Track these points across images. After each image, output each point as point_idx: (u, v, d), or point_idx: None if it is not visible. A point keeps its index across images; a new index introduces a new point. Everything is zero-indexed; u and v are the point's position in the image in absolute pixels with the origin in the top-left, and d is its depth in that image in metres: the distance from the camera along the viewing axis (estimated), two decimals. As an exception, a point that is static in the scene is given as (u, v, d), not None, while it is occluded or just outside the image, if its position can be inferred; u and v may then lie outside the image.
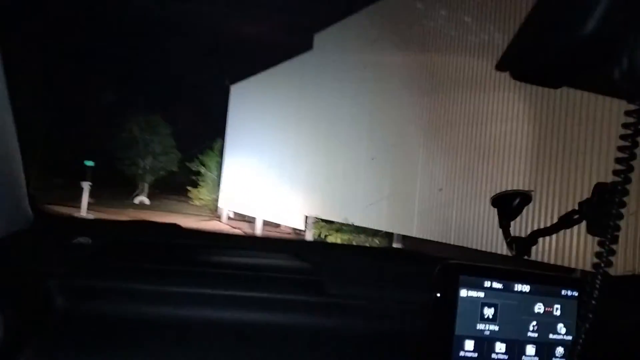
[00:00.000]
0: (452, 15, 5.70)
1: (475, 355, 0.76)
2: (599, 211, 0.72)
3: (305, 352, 0.76)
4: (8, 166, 0.64)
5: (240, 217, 13.21)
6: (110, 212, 11.60)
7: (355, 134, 7.85)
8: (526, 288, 0.79)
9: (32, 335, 0.64)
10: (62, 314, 0.67)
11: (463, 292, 0.78)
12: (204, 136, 17.05)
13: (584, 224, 0.76)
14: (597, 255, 0.47)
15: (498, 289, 0.79)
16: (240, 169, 12.87)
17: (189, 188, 16.74)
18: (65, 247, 0.74)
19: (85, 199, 11.04)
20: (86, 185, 11.17)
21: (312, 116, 9.34)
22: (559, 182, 4.07)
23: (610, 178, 0.48)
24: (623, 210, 0.47)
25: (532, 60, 0.46)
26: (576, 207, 0.79)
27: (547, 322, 0.78)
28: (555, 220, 0.84)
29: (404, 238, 6.54)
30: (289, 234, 10.51)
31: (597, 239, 0.50)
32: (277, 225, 10.98)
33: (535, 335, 0.78)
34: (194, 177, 16.53)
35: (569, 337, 0.78)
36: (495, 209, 0.92)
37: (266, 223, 11.27)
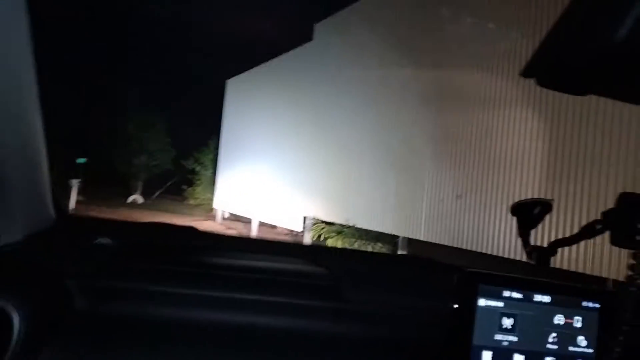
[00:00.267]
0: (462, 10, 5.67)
1: None
2: (624, 221, 0.73)
3: (320, 358, 0.77)
4: (33, 166, 0.65)
5: (235, 218, 13.17)
6: (99, 212, 11.55)
7: (358, 132, 7.62)
8: (546, 298, 0.79)
9: (51, 335, 0.65)
10: (81, 314, 0.68)
11: (482, 302, 0.79)
12: (200, 133, 17.02)
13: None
14: (630, 267, 0.48)
15: (517, 299, 0.79)
16: (236, 167, 12.71)
17: (183, 187, 16.73)
18: (86, 248, 0.76)
19: (73, 197, 11.02)
20: (75, 183, 11.16)
21: (312, 112, 9.11)
22: (572, 194, 4.07)
23: (628, 187, 0.48)
24: None
25: (561, 66, 0.46)
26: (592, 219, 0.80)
27: (567, 334, 0.78)
28: (569, 231, 0.85)
29: (410, 242, 6.43)
30: (286, 235, 10.49)
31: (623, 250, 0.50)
32: (274, 227, 10.93)
33: (555, 347, 0.78)
34: (189, 176, 16.51)
35: (590, 350, 0.79)
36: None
37: (262, 224, 11.21)
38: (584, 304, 0.79)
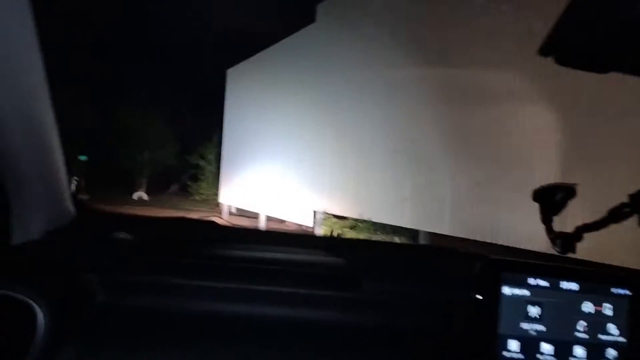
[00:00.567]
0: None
1: (521, 356, 0.77)
2: None
3: (341, 348, 0.78)
4: (49, 164, 0.67)
5: (242, 213, 13.22)
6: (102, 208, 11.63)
7: (370, 121, 7.27)
8: (574, 286, 0.79)
9: (74, 328, 0.68)
10: (103, 307, 0.71)
11: (506, 290, 0.79)
12: (204, 127, 17.04)
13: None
14: None
15: (544, 287, 0.79)
16: (240, 161, 12.63)
17: (188, 182, 16.82)
18: (106, 243, 0.78)
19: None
20: (72, 181, 11.28)
21: (319, 100, 8.74)
22: (590, 185, 4.04)
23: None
24: None
25: (579, 44, 0.46)
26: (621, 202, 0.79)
27: (597, 322, 0.78)
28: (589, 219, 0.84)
29: (433, 237, 6.08)
30: (296, 230, 10.51)
31: None
32: (282, 221, 10.94)
33: (585, 335, 0.78)
34: (193, 171, 16.59)
35: (621, 338, 0.78)
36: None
37: (270, 219, 11.23)
38: (614, 290, 0.79)
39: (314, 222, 8.70)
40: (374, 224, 7.18)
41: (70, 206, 0.76)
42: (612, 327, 0.79)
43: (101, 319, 0.70)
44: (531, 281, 0.79)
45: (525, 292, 0.79)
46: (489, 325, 0.78)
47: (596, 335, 0.78)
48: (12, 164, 0.63)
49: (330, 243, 0.97)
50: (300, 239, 0.95)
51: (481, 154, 5.37)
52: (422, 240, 6.46)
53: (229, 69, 13.97)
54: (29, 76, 0.62)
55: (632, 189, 0.78)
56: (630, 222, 0.77)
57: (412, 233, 6.70)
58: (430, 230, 6.12)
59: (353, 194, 7.61)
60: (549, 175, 4.42)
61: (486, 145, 5.32)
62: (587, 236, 0.83)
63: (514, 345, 0.77)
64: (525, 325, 0.78)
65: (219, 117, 14.44)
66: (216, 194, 14.62)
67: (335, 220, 8.17)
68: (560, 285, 0.79)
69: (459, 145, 5.67)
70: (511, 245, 4.87)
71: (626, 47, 0.44)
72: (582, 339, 0.78)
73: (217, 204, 14.41)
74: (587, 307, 0.79)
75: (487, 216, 5.22)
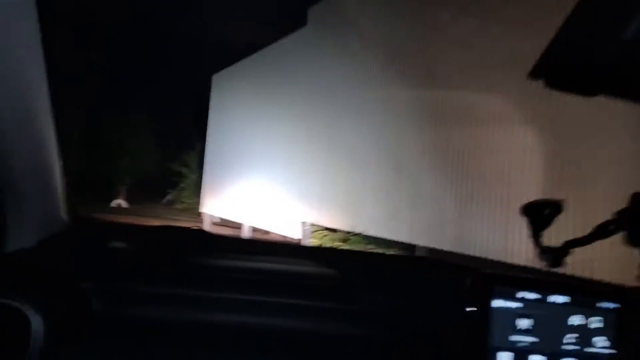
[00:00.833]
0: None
1: None
2: (638, 221, 0.77)
3: (328, 359, 0.80)
4: (45, 172, 0.68)
5: (225, 223, 13.11)
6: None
7: (363, 128, 7.16)
8: (563, 299, 0.83)
9: (69, 337, 0.69)
10: (97, 316, 0.72)
11: (496, 303, 0.82)
12: (186, 133, 16.93)
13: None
14: None
15: (534, 300, 0.83)
16: (224, 168, 12.37)
17: (169, 190, 16.68)
18: (100, 251, 0.79)
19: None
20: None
21: (309, 106, 8.64)
22: (576, 198, 4.14)
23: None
24: None
25: (569, 67, 0.49)
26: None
27: (585, 335, 0.82)
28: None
29: (431, 251, 5.94)
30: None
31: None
32: (266, 233, 10.83)
33: (574, 348, 0.82)
34: (174, 179, 16.46)
35: (610, 351, 0.82)
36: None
37: (254, 229, 11.13)
38: (603, 304, 0.83)
39: (302, 234, 8.53)
40: (367, 237, 7.01)
41: (64, 215, 0.78)
42: (600, 340, 0.83)
43: (96, 328, 0.72)
44: (521, 294, 0.83)
45: (515, 305, 0.83)
46: (479, 338, 0.81)
47: (585, 348, 0.82)
48: (6, 170, 0.64)
49: (320, 253, 1.00)
50: (290, 248, 0.98)
51: (468, 171, 5.46)
52: (419, 254, 6.27)
53: (214, 74, 13.87)
54: (30, 83, 0.64)
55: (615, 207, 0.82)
56: (617, 238, 0.82)
57: (406, 247, 6.47)
58: (432, 246, 5.98)
59: (344, 205, 7.48)
60: (536, 192, 4.56)
61: (475, 163, 5.42)
62: (577, 251, 0.88)
63: (504, 357, 0.81)
64: (515, 338, 0.82)
65: (202, 124, 14.32)
66: (199, 203, 14.47)
67: (325, 232, 8.01)
68: (550, 299, 0.83)
69: (451, 161, 5.72)
70: (497, 259, 4.98)
71: (615, 71, 0.47)
72: (571, 351, 0.82)
73: (199, 214, 14.28)
74: (576, 319, 0.83)
75: (477, 231, 5.29)
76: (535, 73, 0.51)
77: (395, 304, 0.87)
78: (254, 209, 10.52)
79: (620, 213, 0.82)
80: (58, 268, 0.74)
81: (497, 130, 5.14)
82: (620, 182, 3.82)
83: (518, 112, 4.83)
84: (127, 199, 16.81)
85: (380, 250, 6.98)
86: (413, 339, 0.85)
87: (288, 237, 8.94)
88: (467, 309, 0.83)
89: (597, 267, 3.62)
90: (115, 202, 16.33)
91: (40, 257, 0.70)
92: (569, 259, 0.90)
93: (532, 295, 0.83)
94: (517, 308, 0.83)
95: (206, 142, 14.07)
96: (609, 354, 0.83)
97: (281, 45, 10.02)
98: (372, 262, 1.02)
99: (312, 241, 8.15)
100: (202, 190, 14.08)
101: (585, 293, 0.84)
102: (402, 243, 6.41)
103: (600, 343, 0.83)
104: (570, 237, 0.86)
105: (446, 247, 5.66)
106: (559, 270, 0.90)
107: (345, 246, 7.31)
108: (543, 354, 0.82)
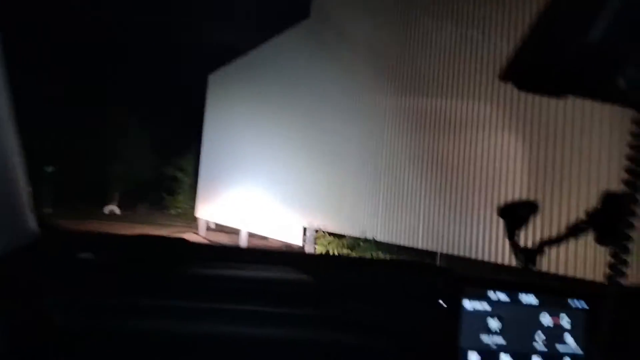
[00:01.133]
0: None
1: None
2: (608, 220, 0.79)
3: None
4: (10, 182, 0.69)
5: (221, 229, 13.02)
6: (68, 226, 11.43)
7: (369, 126, 6.94)
8: (533, 299, 0.86)
9: (32, 353, 0.69)
10: (61, 331, 0.72)
11: (467, 304, 0.85)
12: (180, 136, 16.94)
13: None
14: (610, 266, 0.51)
15: (504, 301, 0.86)
16: (221, 171, 12.16)
17: (164, 195, 16.71)
18: (68, 263, 0.80)
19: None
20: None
21: (312, 104, 8.36)
22: (550, 208, 4.23)
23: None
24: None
25: (538, 68, 0.51)
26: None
27: (554, 334, 0.85)
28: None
29: (450, 259, 5.61)
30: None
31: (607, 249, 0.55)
32: (265, 238, 10.67)
33: (543, 347, 0.85)
34: (169, 184, 16.49)
35: (578, 350, 0.85)
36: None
37: (252, 235, 10.95)
38: (571, 303, 0.86)
39: (304, 240, 8.30)
40: (378, 243, 6.67)
41: (33, 225, 0.77)
42: (569, 339, 0.85)
43: (59, 342, 0.72)
44: (492, 295, 0.86)
45: (486, 306, 0.85)
46: (450, 338, 0.84)
47: (554, 347, 0.85)
48: None
49: (299, 259, 1.01)
50: (273, 255, 0.99)
51: (459, 175, 5.46)
52: (439, 260, 5.92)
53: (210, 74, 13.71)
54: None
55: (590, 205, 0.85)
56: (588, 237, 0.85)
57: (424, 253, 6.07)
58: (460, 254, 5.58)
59: (352, 210, 7.19)
60: (518, 194, 4.66)
61: (464, 167, 5.42)
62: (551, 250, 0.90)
63: (474, 357, 0.84)
64: (485, 338, 0.84)
65: (198, 126, 14.20)
66: (193, 208, 14.40)
67: (330, 239, 7.64)
68: (520, 299, 0.86)
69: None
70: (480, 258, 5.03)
71: (582, 71, 0.49)
72: (540, 350, 0.85)
73: (195, 219, 14.23)
74: (546, 319, 0.86)
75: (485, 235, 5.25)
76: (505, 75, 0.53)
77: (368, 309, 0.89)
78: (251, 214, 10.28)
79: (591, 213, 0.84)
80: (23, 281, 0.74)
81: (480, 137, 5.18)
82: (600, 181, 3.91)
83: (506, 117, 4.92)
84: (120, 205, 16.84)
85: (391, 258, 6.85)
86: (386, 341, 0.87)
87: (288, 244, 8.69)
88: (438, 310, 0.85)
89: (570, 265, 3.72)
90: (107, 209, 16.36)
91: (6, 270, 0.70)
92: (543, 258, 0.93)
93: (502, 296, 0.86)
94: (488, 309, 0.85)
95: (202, 145, 13.95)
96: (578, 353, 0.85)
97: (281, 42, 9.87)
98: (346, 266, 1.04)
99: (316, 248, 7.84)
100: (197, 194, 14.00)
101: (555, 293, 0.86)
102: (415, 249, 6.15)
103: (570, 342, 0.85)
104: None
105: (485, 256, 5.30)
106: (537, 269, 0.93)
107: (356, 253, 7.05)
108: (513, 354, 0.84)
